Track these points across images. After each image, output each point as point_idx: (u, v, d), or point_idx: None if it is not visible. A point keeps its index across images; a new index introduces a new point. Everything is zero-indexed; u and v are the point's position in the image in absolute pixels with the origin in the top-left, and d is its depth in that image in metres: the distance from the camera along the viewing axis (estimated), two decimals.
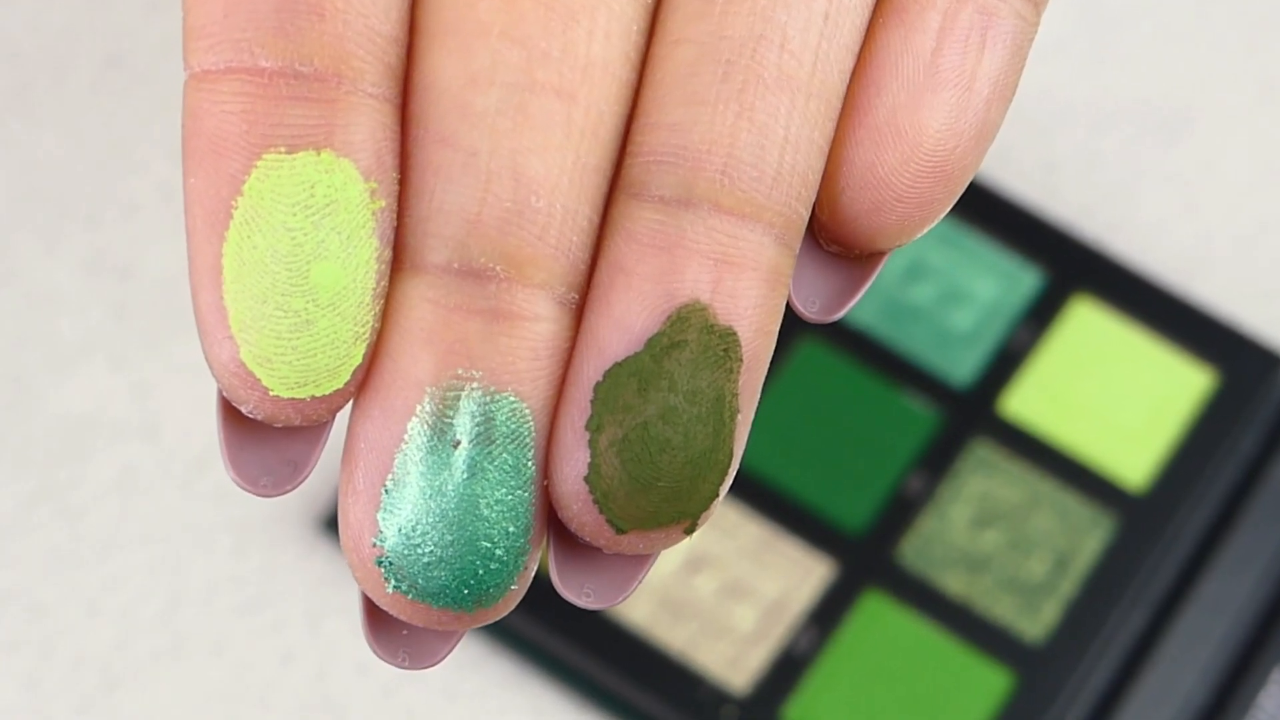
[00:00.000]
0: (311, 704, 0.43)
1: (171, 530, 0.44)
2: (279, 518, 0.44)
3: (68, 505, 0.44)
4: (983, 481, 0.45)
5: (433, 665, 0.21)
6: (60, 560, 0.44)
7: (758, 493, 0.44)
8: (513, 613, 0.35)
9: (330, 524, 0.44)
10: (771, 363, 0.40)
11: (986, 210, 0.47)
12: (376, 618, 0.21)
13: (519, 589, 0.20)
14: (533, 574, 0.20)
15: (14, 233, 0.47)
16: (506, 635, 0.43)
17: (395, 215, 0.20)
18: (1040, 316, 0.46)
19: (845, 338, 0.46)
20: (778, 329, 0.21)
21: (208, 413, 0.44)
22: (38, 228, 0.47)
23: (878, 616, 0.43)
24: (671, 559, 0.43)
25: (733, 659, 0.43)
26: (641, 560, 0.21)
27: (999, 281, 0.47)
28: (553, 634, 0.42)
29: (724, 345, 0.20)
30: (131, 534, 0.44)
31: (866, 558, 0.44)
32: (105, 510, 0.44)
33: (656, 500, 0.20)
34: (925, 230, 0.21)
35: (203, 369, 0.42)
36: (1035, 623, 0.43)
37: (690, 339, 0.20)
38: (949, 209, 0.21)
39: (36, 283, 0.46)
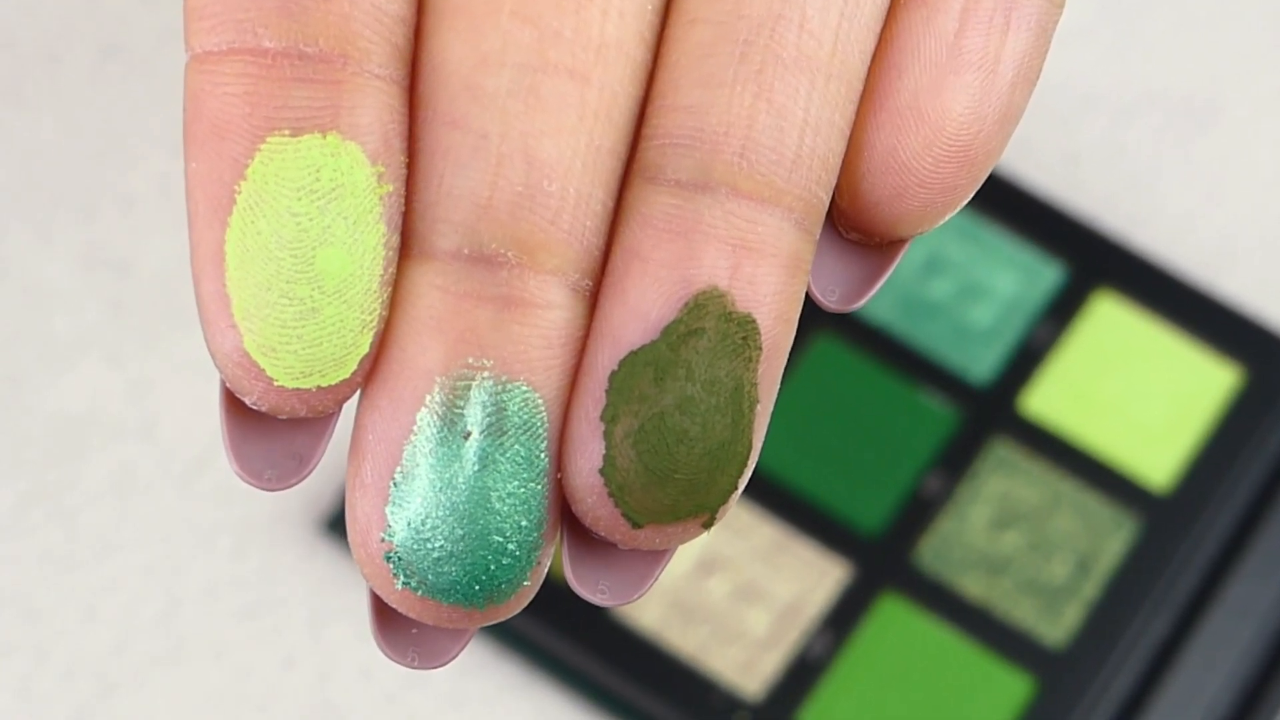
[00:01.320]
0: (313, 709, 0.42)
1: (170, 531, 0.44)
2: (280, 518, 0.44)
3: (63, 506, 0.44)
4: (1002, 481, 0.45)
5: (442, 665, 0.21)
6: (56, 562, 0.43)
7: (771, 493, 0.44)
8: (520, 614, 0.34)
9: (332, 525, 0.44)
10: None
11: (1007, 203, 0.47)
12: (385, 616, 0.21)
13: (531, 585, 0.20)
14: (546, 570, 0.20)
15: (9, 226, 0.46)
16: (513, 638, 0.43)
17: (403, 200, 0.20)
18: (1061, 312, 0.46)
19: (862, 334, 0.46)
20: (798, 317, 0.20)
21: (207, 411, 0.44)
22: (33, 221, 0.47)
23: (894, 620, 0.43)
24: (683, 561, 0.43)
25: (745, 664, 0.43)
26: (658, 556, 0.21)
27: (1019, 276, 0.47)
28: (561, 637, 0.42)
29: (743, 333, 0.20)
30: (129, 535, 0.44)
31: (883, 560, 0.44)
32: (102, 511, 0.44)
33: (674, 493, 0.20)
34: (948, 217, 0.21)
35: (202, 366, 0.42)
36: (1056, 626, 0.43)
37: (708, 327, 0.20)
38: (972, 195, 0.21)
39: (31, 278, 0.46)
